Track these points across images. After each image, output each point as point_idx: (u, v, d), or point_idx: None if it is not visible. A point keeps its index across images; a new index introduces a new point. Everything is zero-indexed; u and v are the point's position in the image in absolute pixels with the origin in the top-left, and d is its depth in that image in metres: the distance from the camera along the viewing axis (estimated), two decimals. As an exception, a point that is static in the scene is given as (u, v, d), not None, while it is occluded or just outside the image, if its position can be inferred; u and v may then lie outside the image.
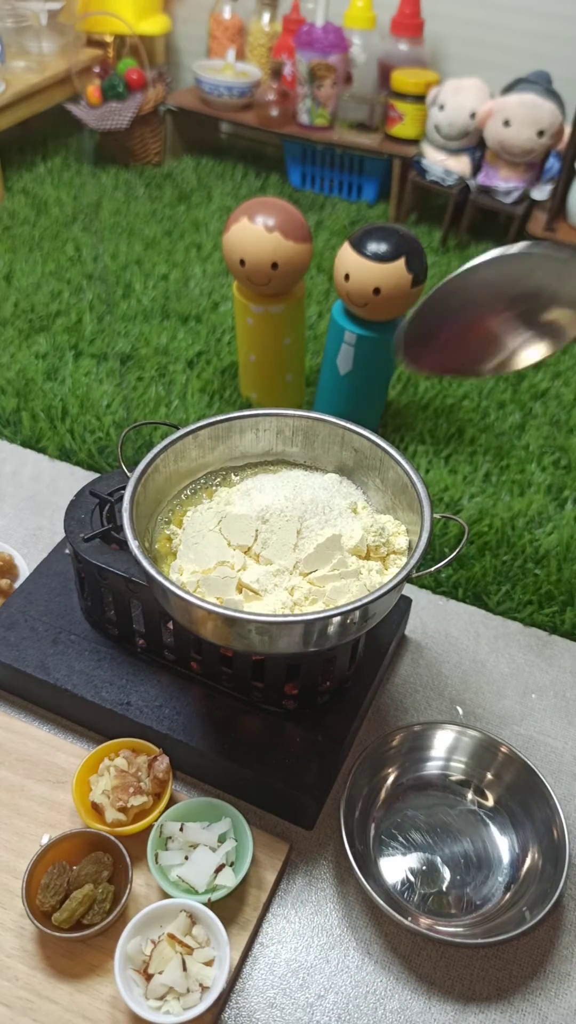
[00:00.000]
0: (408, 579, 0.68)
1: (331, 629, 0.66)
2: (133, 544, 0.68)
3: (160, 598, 0.71)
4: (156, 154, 2.06)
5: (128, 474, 0.74)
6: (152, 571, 0.66)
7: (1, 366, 1.34)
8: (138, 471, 0.74)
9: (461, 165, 1.76)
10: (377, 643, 0.88)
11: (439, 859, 0.78)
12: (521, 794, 0.80)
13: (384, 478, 0.78)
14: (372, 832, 0.79)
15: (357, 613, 0.66)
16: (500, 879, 0.77)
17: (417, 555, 0.68)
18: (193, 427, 0.78)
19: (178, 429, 0.78)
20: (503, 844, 0.79)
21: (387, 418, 1.30)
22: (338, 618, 0.65)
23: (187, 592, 0.66)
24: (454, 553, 0.74)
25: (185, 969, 0.66)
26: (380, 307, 1.08)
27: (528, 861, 0.77)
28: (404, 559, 0.74)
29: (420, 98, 1.76)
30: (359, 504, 0.79)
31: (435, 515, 0.72)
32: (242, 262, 1.10)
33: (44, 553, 1.02)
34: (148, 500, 0.76)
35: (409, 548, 0.75)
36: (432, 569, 0.78)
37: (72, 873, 0.71)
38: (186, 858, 0.73)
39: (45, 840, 0.75)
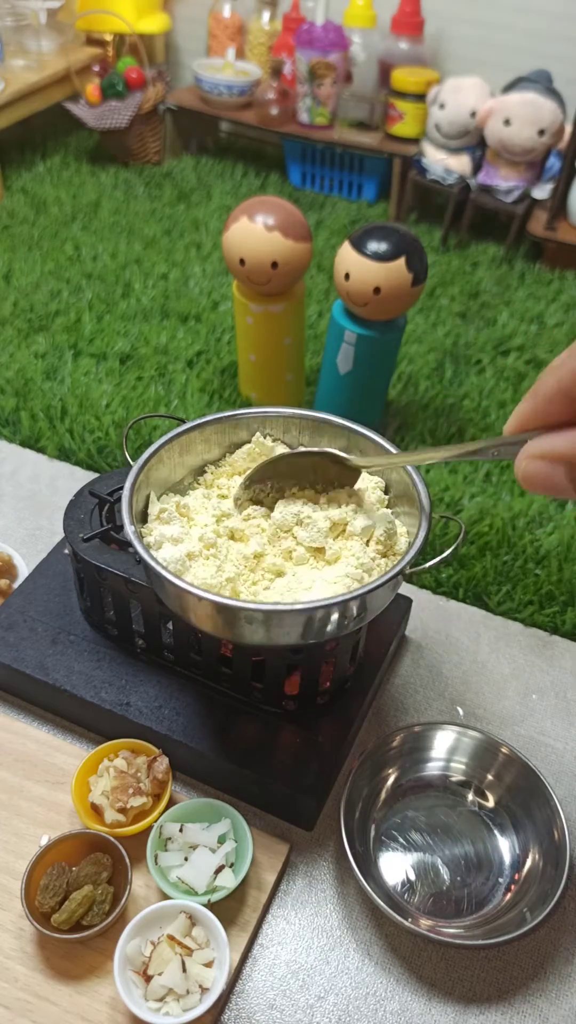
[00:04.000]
0: (403, 573, 0.68)
1: (331, 617, 0.66)
2: (129, 529, 0.68)
3: (155, 585, 0.70)
4: (155, 153, 2.05)
5: (131, 463, 0.74)
6: (147, 556, 0.66)
7: (0, 365, 1.34)
8: (143, 458, 0.74)
9: (461, 164, 1.76)
10: (377, 643, 0.88)
11: (439, 860, 0.78)
12: (522, 795, 0.80)
13: (388, 480, 0.78)
14: (372, 833, 0.79)
15: (354, 606, 0.65)
16: (501, 880, 0.77)
17: (415, 549, 0.68)
18: (199, 421, 0.78)
19: (184, 423, 0.78)
20: (504, 845, 0.79)
21: (387, 418, 1.29)
22: (337, 607, 0.65)
23: (182, 579, 0.65)
24: (450, 549, 0.74)
25: (185, 970, 0.66)
26: (380, 306, 1.07)
27: (529, 862, 0.77)
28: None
29: (420, 97, 1.76)
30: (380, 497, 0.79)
31: (435, 515, 0.72)
32: (242, 261, 1.10)
33: (43, 553, 1.02)
34: (150, 488, 0.76)
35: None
36: (427, 565, 0.78)
37: (71, 874, 0.71)
38: (186, 859, 0.73)
39: (44, 841, 0.75)
